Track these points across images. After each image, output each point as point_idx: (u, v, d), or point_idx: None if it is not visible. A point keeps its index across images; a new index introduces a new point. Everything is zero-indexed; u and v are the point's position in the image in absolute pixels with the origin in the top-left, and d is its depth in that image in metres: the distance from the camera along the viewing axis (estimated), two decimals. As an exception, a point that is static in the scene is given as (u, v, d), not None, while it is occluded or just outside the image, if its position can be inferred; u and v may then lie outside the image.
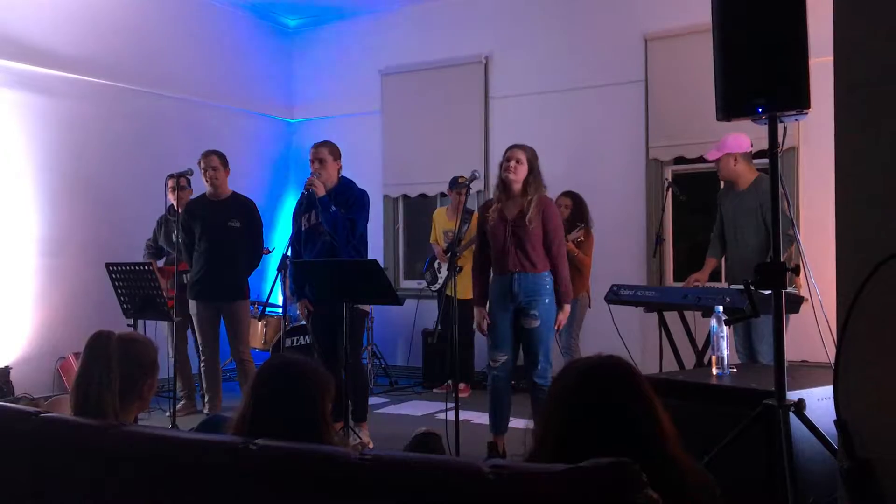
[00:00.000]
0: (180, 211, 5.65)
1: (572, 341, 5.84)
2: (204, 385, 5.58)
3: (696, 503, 1.57)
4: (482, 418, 4.67)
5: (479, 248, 4.58)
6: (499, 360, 4.41)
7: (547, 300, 4.33)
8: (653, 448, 1.55)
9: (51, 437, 1.88)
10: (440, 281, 6.81)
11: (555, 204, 4.49)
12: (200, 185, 5.92)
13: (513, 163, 4.32)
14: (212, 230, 5.41)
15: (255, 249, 5.55)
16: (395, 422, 5.71)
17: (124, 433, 1.80)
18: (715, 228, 5.01)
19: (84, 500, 1.78)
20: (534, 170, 4.36)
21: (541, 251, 4.34)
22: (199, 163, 5.46)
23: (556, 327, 4.39)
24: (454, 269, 4.49)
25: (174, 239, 5.50)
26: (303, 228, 4.95)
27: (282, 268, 4.69)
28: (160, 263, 6.11)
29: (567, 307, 4.42)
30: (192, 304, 5.50)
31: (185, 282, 5.79)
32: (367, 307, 5.04)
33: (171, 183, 5.61)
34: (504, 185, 4.38)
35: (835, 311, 2.14)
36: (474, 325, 4.65)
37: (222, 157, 5.48)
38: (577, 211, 5.91)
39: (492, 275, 4.51)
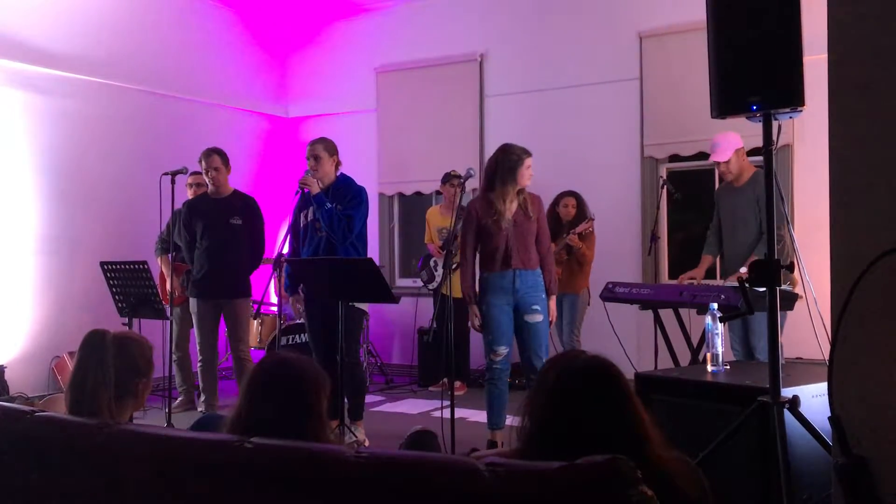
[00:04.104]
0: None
1: (574, 338, 5.85)
2: (201, 384, 5.58)
3: (686, 499, 1.58)
4: (477, 416, 4.68)
5: (471, 245, 4.58)
6: (501, 353, 4.49)
7: (543, 295, 4.51)
8: (633, 447, 1.56)
9: (46, 437, 1.88)
10: (437, 279, 6.80)
11: (542, 201, 4.65)
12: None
13: (531, 170, 4.45)
14: (213, 228, 5.41)
15: (257, 247, 5.53)
16: (390, 420, 5.71)
17: (119, 432, 1.79)
18: (711, 226, 5.00)
19: (79, 499, 1.78)
20: None
21: (535, 248, 4.50)
22: (200, 161, 5.44)
23: (550, 319, 4.55)
24: (450, 267, 4.50)
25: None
26: (301, 225, 4.95)
27: (277, 266, 4.68)
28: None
29: (553, 299, 4.58)
30: (192, 303, 5.51)
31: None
32: (365, 307, 5.03)
33: (189, 180, 5.60)
34: (507, 185, 4.41)
35: (829, 309, 2.15)
36: (469, 324, 4.66)
37: (223, 157, 5.46)
38: (581, 210, 5.97)
39: (482, 271, 4.55)
